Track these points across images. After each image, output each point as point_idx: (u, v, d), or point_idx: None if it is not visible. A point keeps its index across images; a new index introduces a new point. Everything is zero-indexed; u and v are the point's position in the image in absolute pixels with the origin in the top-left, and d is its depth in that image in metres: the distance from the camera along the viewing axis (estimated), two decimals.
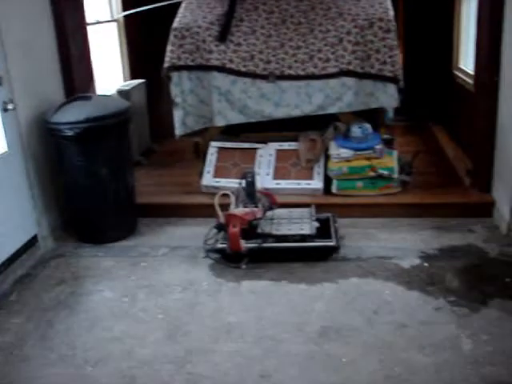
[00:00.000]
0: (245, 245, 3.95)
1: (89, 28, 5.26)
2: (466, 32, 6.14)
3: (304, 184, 4.94)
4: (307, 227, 4.15)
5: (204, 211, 4.57)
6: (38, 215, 4.31)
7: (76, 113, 4.18)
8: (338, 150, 4.86)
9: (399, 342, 3.09)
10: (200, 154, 5.41)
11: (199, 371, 2.94)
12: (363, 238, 4.36)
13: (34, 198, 4.28)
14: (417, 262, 3.96)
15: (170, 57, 5.01)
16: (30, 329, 3.37)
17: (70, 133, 4.13)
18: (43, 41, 4.53)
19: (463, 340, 3.07)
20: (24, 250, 4.16)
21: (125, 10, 6.46)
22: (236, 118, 5.08)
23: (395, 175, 4.80)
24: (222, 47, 4.96)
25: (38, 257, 4.27)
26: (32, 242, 4.25)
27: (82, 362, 3.06)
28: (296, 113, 4.98)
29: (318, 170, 4.99)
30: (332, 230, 4.20)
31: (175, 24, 5.02)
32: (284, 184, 4.96)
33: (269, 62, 4.93)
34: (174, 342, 3.19)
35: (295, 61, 4.91)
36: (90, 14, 5.51)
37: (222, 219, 4.05)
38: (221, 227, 4.07)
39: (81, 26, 4.97)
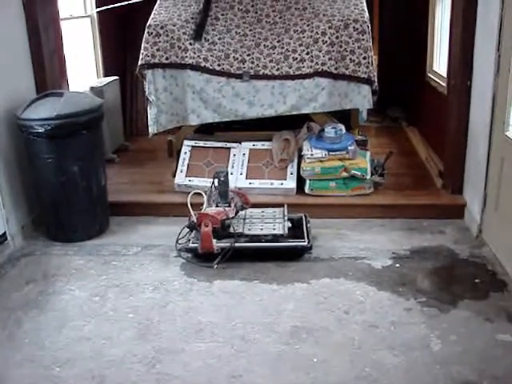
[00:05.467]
0: (217, 244, 3.94)
1: (62, 23, 5.19)
2: (439, 35, 6.19)
3: (277, 184, 4.94)
4: (279, 227, 4.16)
5: (176, 210, 4.55)
6: (6, 213, 4.23)
7: (47, 109, 4.13)
8: (311, 151, 4.86)
9: (370, 342, 3.10)
10: (173, 153, 5.38)
11: (169, 371, 2.92)
12: (335, 238, 4.38)
13: (1, 195, 4.19)
14: (388, 262, 3.98)
15: (144, 54, 4.96)
16: None
17: (40, 129, 4.07)
18: (14, 35, 4.45)
19: (433, 340, 3.10)
20: None
21: (99, 5, 6.40)
22: (210, 117, 5.06)
23: (368, 176, 4.82)
24: (197, 46, 4.93)
25: (7, 255, 4.20)
26: (0, 240, 4.18)
27: (50, 362, 3.02)
28: (270, 112, 4.98)
29: (291, 169, 5.00)
30: (304, 230, 4.20)
31: (150, 21, 4.98)
32: (257, 184, 4.96)
33: (243, 61, 4.91)
34: (144, 342, 3.16)
35: (270, 60, 4.90)
36: (63, 9, 5.44)
37: (194, 218, 4.03)
38: (193, 226, 4.05)
39: (53, 20, 4.89)
